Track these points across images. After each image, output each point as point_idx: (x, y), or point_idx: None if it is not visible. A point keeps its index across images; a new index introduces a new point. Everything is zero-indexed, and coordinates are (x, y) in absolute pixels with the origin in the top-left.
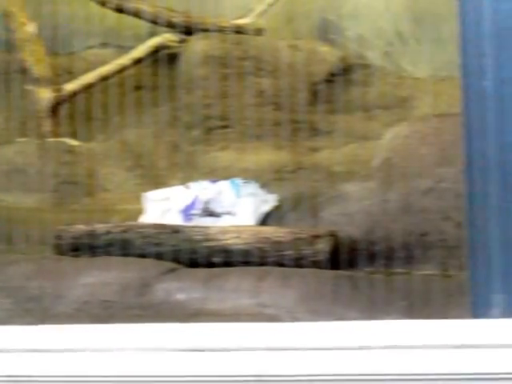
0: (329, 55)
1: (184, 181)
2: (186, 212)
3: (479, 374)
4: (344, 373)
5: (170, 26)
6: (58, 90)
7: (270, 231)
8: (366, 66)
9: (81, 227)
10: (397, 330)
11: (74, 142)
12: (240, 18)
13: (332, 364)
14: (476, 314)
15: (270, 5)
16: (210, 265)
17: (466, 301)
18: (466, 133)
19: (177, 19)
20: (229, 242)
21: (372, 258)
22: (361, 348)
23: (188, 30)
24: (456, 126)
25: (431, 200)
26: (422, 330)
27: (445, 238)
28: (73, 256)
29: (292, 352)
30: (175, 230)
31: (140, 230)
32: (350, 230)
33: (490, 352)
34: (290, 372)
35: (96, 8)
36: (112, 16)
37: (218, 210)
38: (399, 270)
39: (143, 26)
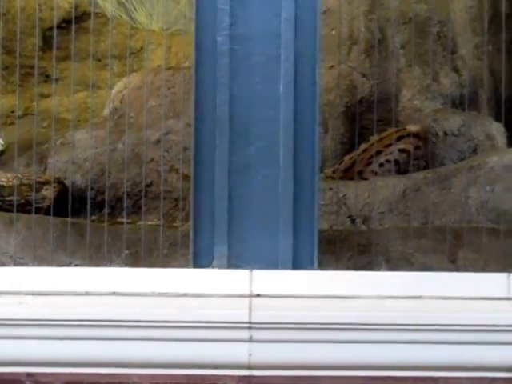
0: (62, 1)
1: None
2: None
3: (199, 322)
4: (68, 318)
5: None
6: None
7: None
8: (100, 15)
9: None
10: (119, 278)
11: None
12: None
13: (56, 310)
14: (198, 265)
15: None
16: None
17: (189, 251)
18: (196, 86)
19: None
20: None
21: (98, 206)
22: (87, 294)
23: None
24: (187, 79)
25: (159, 151)
26: (144, 278)
27: (170, 190)
28: None
29: (14, 296)
30: None
31: None
32: (78, 177)
33: (210, 300)
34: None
35: None
36: None
37: None
38: (125, 220)
39: None
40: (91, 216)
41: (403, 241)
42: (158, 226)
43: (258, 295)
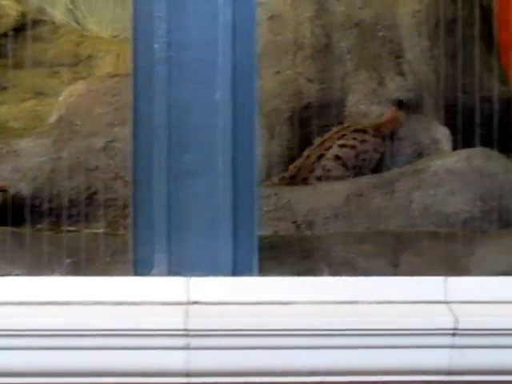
0: (10, 9)
1: None
2: None
3: (136, 330)
4: (4, 328)
5: None
6: None
7: None
8: (48, 22)
9: None
10: (57, 287)
11: None
12: None
13: None
14: (139, 273)
15: None
16: None
17: (130, 259)
18: (134, 93)
19: None
20: None
21: (42, 215)
22: (22, 304)
23: None
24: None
25: (104, 159)
26: (82, 287)
27: (115, 197)
28: None
29: None
30: None
31: None
32: (22, 186)
33: (146, 308)
34: None
35: None
36: None
37: None
38: (68, 228)
39: None
40: (37, 225)
41: (346, 246)
42: (103, 234)
43: (196, 302)
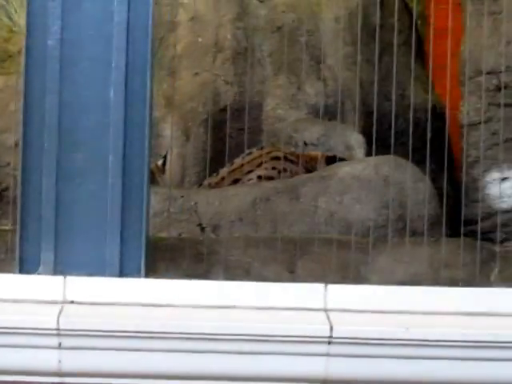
0: None
1: None
2: None
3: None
4: None
5: None
6: None
7: None
8: None
9: None
10: None
11: None
12: None
13: None
14: (25, 271)
15: None
16: None
17: (16, 257)
18: (25, 91)
19: None
20: None
21: None
22: None
23: None
24: None
25: (16, 155)
26: None
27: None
28: None
29: None
30: None
31: None
32: None
33: (21, 306)
34: None
35: None
36: None
37: None
38: None
39: None
40: None
41: (246, 250)
42: (10, 231)
43: (72, 302)
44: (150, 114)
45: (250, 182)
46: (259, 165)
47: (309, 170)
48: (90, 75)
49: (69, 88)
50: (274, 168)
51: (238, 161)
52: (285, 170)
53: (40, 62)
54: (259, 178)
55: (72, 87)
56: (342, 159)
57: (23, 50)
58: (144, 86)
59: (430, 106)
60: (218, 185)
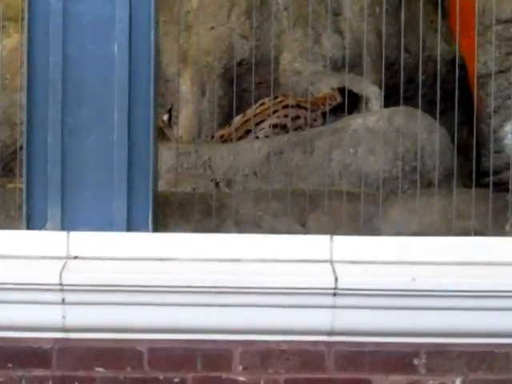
0: None
1: None
2: None
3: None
4: None
5: None
6: None
7: None
8: None
9: None
10: None
11: None
12: None
13: None
14: (32, 227)
15: None
16: None
17: (23, 213)
18: (28, 46)
19: None
20: None
21: None
22: None
23: None
24: None
25: None
26: None
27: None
28: None
29: None
30: None
31: None
32: None
33: (27, 262)
34: None
35: None
36: None
37: None
38: None
39: None
40: None
41: (257, 204)
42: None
43: (76, 257)
44: (156, 69)
45: (262, 131)
46: (271, 114)
47: (324, 113)
48: (94, 30)
49: (72, 43)
50: (286, 116)
51: (250, 112)
52: (298, 116)
53: (43, 18)
54: (273, 126)
55: (75, 42)
56: (349, 90)
57: (26, 5)
58: (148, 39)
59: (457, 56)
60: (230, 136)
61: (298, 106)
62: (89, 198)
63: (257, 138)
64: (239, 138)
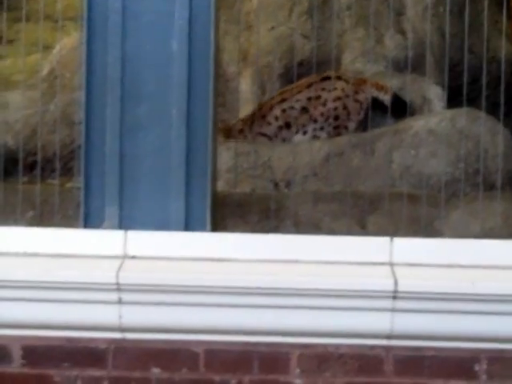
0: None
1: None
2: None
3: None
4: None
5: None
6: None
7: None
8: None
9: None
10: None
11: None
12: None
13: None
14: (89, 225)
15: None
16: None
17: (81, 212)
18: (87, 44)
19: None
20: None
21: (28, 167)
22: None
23: None
24: None
25: None
26: (15, 238)
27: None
28: None
29: None
30: None
31: None
32: (8, 138)
33: (83, 261)
34: None
35: None
36: None
37: None
38: (52, 182)
39: None
40: (22, 177)
41: (317, 205)
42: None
43: (133, 257)
44: (215, 67)
45: (298, 103)
46: (309, 86)
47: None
48: (153, 28)
49: (131, 41)
50: (323, 89)
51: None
52: (335, 88)
53: (102, 16)
54: (308, 99)
55: (134, 40)
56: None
57: (85, 4)
58: (207, 37)
59: None
60: (266, 104)
61: (338, 78)
62: (146, 197)
63: (292, 108)
64: (271, 108)
